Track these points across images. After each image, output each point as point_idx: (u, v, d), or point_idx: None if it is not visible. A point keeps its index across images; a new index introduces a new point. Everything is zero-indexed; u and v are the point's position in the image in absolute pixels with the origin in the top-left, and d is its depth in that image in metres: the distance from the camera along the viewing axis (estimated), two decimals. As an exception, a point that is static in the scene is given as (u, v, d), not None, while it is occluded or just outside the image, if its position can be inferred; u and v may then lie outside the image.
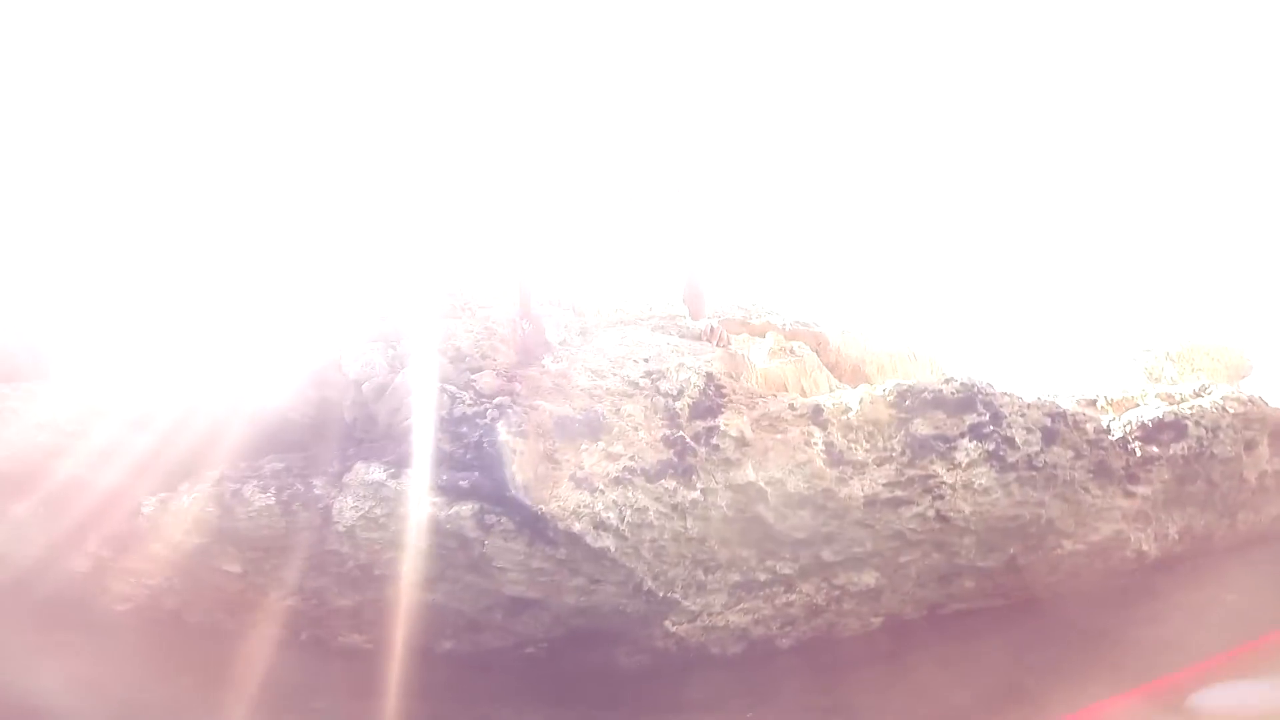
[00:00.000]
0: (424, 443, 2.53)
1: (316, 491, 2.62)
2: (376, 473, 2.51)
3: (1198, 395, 3.51)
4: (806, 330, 5.69)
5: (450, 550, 2.50)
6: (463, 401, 2.54)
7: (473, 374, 2.69)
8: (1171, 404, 3.23)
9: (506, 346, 2.76)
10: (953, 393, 2.57)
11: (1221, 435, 3.28)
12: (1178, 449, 3.11)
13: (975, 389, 2.58)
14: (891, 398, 2.56)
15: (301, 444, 2.91)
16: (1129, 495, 3.29)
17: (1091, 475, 2.99)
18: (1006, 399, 2.64)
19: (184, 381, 2.92)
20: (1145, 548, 3.55)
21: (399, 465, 2.55)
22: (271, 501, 2.59)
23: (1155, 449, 3.13)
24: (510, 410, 2.49)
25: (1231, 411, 3.38)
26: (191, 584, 2.72)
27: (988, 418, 2.57)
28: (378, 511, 2.49)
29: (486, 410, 2.47)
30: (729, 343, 3.04)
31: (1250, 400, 3.72)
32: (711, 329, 2.97)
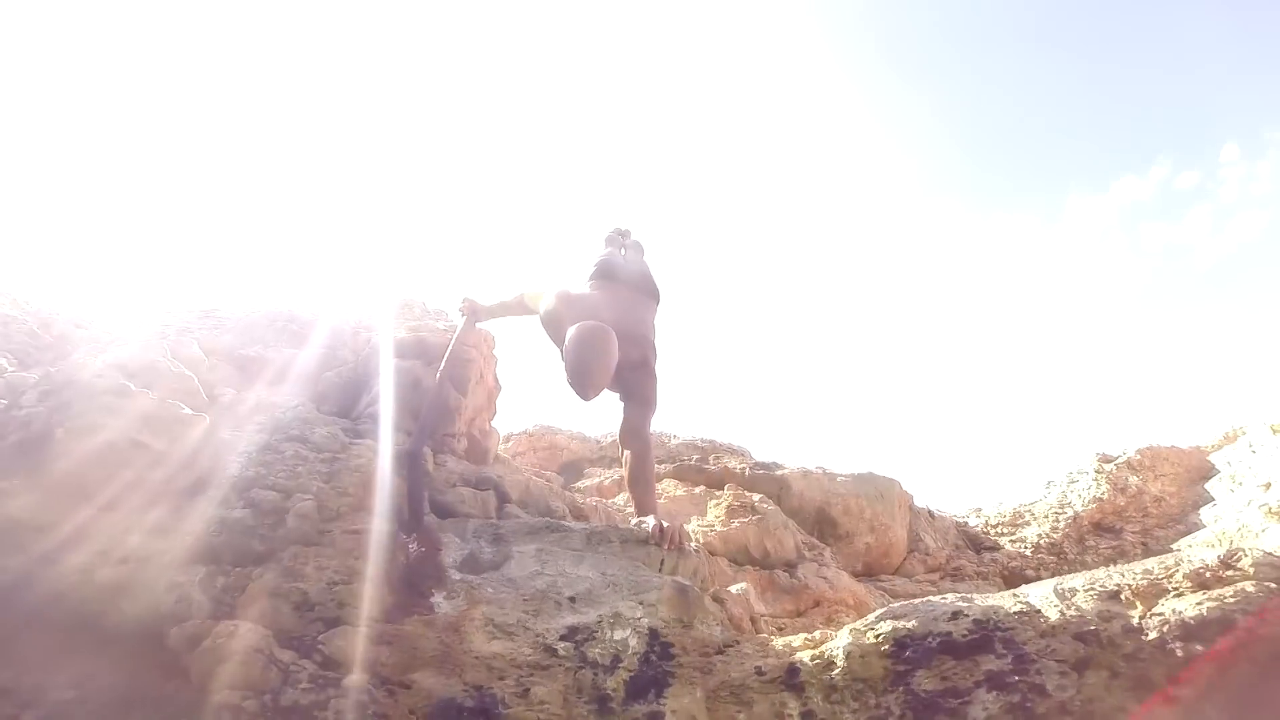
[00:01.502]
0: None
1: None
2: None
3: (1227, 567, 3.05)
4: (767, 475, 5.16)
5: None
6: (298, 678, 1.82)
7: (325, 629, 1.98)
8: (1206, 590, 2.75)
9: (378, 586, 2.06)
10: (964, 634, 1.98)
11: (1268, 616, 2.82)
12: (1224, 643, 2.62)
13: (991, 625, 2.00)
14: (887, 647, 1.94)
15: (120, 690, 2.13)
16: (1171, 701, 2.75)
17: (1130, 692, 2.43)
18: (1027, 627, 2.05)
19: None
20: (1188, 745, 2.99)
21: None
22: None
23: (1199, 646, 2.62)
24: (367, 697, 1.78)
25: (1274, 585, 2.93)
26: None
27: (1009, 660, 1.97)
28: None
29: (330, 699, 1.76)
30: (684, 540, 2.39)
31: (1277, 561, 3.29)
32: (663, 528, 2.32)
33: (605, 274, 3.23)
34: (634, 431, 2.58)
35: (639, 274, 3.30)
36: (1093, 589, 2.62)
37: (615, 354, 2.38)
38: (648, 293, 3.18)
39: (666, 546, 2.25)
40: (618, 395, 2.69)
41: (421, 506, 2.32)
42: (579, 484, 5.44)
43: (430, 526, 2.31)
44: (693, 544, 2.44)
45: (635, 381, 2.62)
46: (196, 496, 2.39)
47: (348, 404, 3.42)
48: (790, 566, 4.33)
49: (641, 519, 2.40)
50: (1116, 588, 2.64)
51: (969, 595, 2.28)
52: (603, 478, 5.26)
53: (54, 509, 2.32)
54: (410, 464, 2.40)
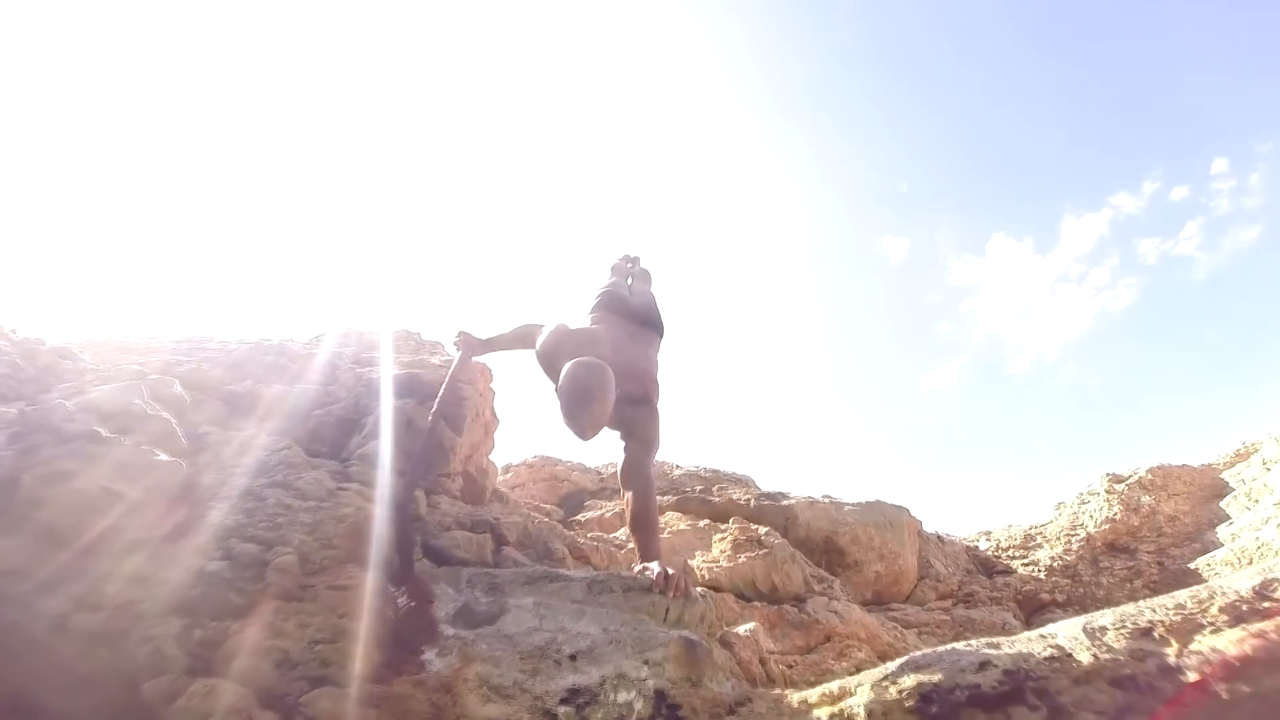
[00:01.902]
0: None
1: None
2: None
3: (1263, 597, 2.86)
4: (773, 505, 5.03)
5: None
6: (283, 752, 1.68)
7: (309, 689, 1.84)
8: (1244, 623, 2.60)
9: (365, 643, 1.93)
10: (993, 685, 1.85)
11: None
12: (1270, 683, 2.45)
13: (1022, 675, 1.87)
14: (911, 703, 1.81)
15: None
16: (1211, 746, 2.59)
17: (1170, 738, 2.30)
18: (1060, 674, 1.92)
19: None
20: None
21: None
22: None
23: (1245, 687, 2.47)
24: (353, 772, 1.64)
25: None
26: None
27: (1044, 713, 1.83)
28: None
29: (313, 778, 1.62)
30: (689, 586, 2.26)
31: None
32: (667, 575, 2.19)
33: (607, 306, 3.13)
34: (635, 471, 2.46)
35: (642, 306, 3.20)
36: (1124, 626, 2.47)
37: (612, 391, 2.27)
38: (651, 325, 3.08)
39: (671, 594, 2.12)
40: (618, 433, 2.57)
41: (411, 556, 2.19)
42: (580, 516, 5.29)
43: (421, 577, 2.18)
44: (698, 589, 2.31)
45: (636, 419, 2.51)
46: (175, 544, 2.27)
47: (340, 442, 3.30)
48: (799, 600, 4.18)
49: (645, 565, 2.27)
50: (1149, 624, 2.49)
51: (996, 641, 2.15)
52: (604, 510, 5.12)
53: (26, 554, 2.21)
54: (399, 511, 2.28)
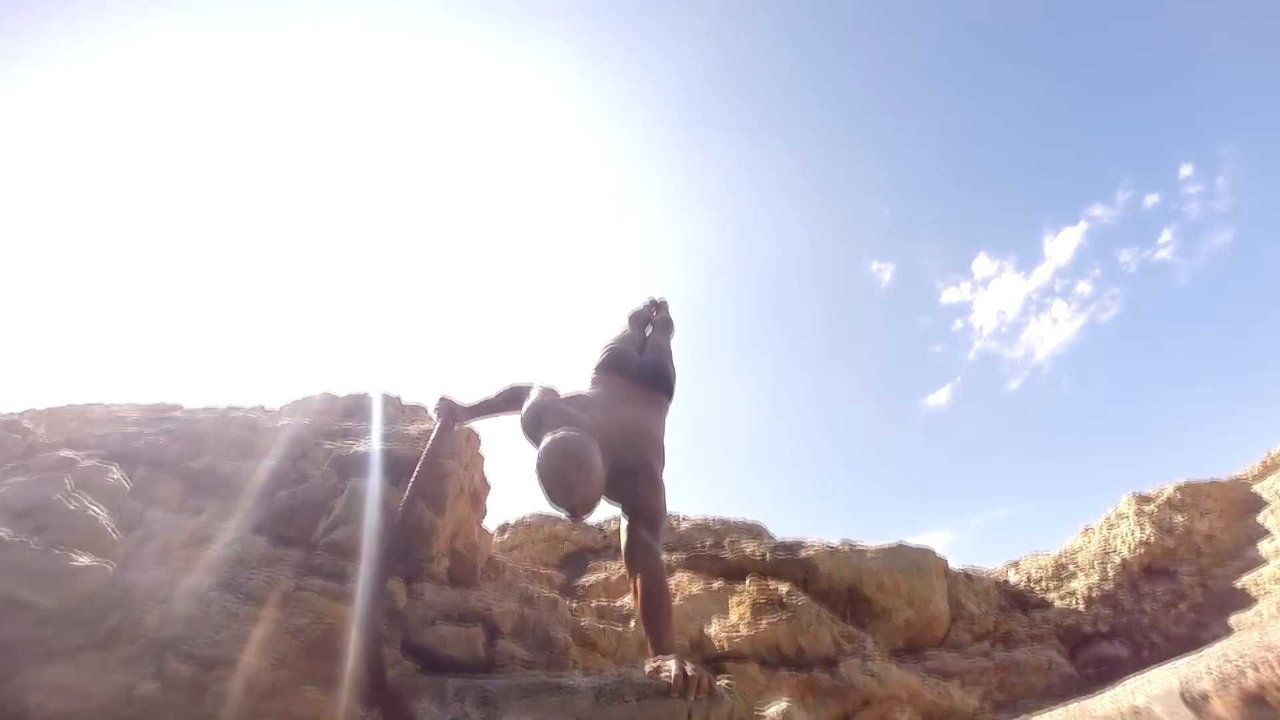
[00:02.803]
0: None
1: None
2: None
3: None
4: (790, 558, 4.66)
5: None
6: None
7: None
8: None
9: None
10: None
11: None
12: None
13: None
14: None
15: None
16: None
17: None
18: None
19: None
20: None
21: None
22: None
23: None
24: None
25: None
26: None
27: (1170, 826, 1.47)
28: None
29: None
30: (713, 685, 1.88)
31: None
32: (686, 675, 1.81)
33: (607, 366, 2.84)
34: (641, 550, 2.13)
35: (648, 364, 2.88)
36: (1228, 690, 2.14)
37: (596, 467, 1.98)
38: (657, 386, 2.76)
39: (694, 697, 1.77)
40: (619, 507, 2.25)
41: (382, 669, 1.83)
42: (583, 580, 4.90)
43: (397, 694, 1.82)
44: (723, 681, 1.96)
45: (636, 491, 2.19)
46: (104, 653, 1.90)
47: (309, 526, 2.96)
48: (830, 664, 3.79)
49: (660, 663, 1.91)
50: (1258, 687, 2.16)
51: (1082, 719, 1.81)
52: (608, 572, 4.73)
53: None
54: (368, 616, 1.92)
